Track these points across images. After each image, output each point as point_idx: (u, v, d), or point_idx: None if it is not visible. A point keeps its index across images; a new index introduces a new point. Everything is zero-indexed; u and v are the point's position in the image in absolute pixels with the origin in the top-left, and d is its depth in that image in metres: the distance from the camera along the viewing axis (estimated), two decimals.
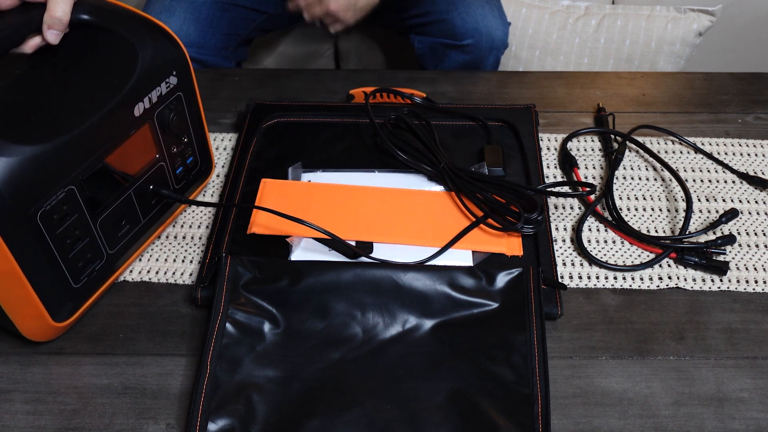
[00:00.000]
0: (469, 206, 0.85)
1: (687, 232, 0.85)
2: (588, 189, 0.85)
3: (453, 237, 0.82)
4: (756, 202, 0.90)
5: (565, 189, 0.92)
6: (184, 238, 0.86)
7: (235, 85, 1.09)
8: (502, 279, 0.77)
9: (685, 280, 0.81)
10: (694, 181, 0.93)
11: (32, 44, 0.71)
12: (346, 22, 1.17)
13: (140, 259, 0.84)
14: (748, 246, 0.85)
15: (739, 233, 0.86)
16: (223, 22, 1.30)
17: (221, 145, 0.98)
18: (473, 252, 0.82)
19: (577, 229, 0.86)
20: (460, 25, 1.24)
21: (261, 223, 0.84)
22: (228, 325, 0.73)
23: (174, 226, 0.88)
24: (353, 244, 0.82)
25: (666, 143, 0.98)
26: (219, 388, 0.69)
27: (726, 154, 0.97)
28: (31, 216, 0.64)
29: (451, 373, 0.71)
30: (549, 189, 0.88)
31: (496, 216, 0.82)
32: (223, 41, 1.31)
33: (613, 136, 0.99)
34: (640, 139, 0.97)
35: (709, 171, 0.95)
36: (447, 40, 1.26)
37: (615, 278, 0.82)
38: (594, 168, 0.95)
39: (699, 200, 0.91)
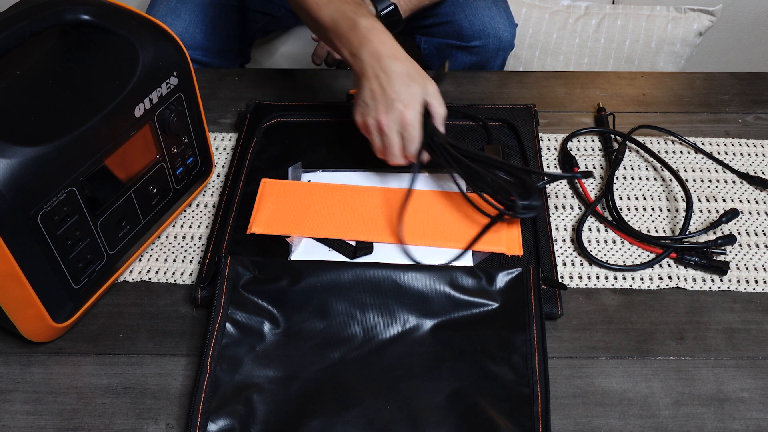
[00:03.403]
0: (472, 198, 0.84)
1: (687, 232, 0.85)
2: (583, 171, 0.85)
3: (453, 236, 0.82)
4: (756, 202, 0.90)
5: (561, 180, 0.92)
6: (184, 238, 0.86)
7: (235, 85, 1.09)
8: (502, 279, 0.77)
9: (685, 280, 0.81)
10: (694, 181, 0.93)
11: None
12: None
13: (140, 260, 0.84)
14: (749, 246, 0.85)
15: (739, 233, 0.86)
16: (228, 24, 1.30)
17: (221, 145, 0.98)
18: (473, 252, 0.82)
19: (577, 229, 0.86)
20: (467, 27, 1.24)
21: (261, 223, 0.84)
22: (228, 325, 0.74)
23: (174, 226, 0.88)
24: (353, 244, 0.82)
25: (666, 143, 0.98)
26: (219, 388, 0.69)
27: (726, 154, 0.97)
28: (32, 217, 0.65)
29: (451, 373, 0.71)
30: (545, 172, 0.87)
31: (499, 197, 0.80)
32: (227, 43, 1.31)
33: (613, 136, 0.99)
34: (640, 139, 0.97)
35: (709, 171, 0.95)
36: (454, 41, 1.26)
37: (615, 278, 0.82)
38: (594, 168, 0.95)
39: (699, 200, 0.91)
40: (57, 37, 0.76)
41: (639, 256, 0.84)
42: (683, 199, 0.90)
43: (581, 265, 0.83)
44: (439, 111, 0.83)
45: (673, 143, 0.98)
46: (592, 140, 0.99)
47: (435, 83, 0.84)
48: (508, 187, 0.79)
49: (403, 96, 0.81)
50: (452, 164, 0.83)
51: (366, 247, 0.82)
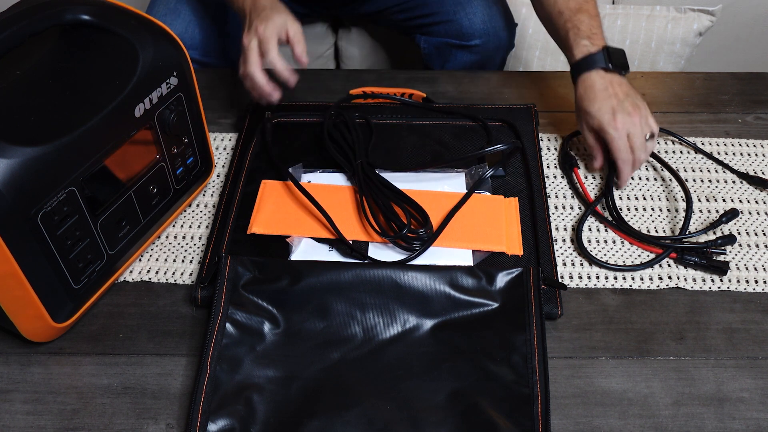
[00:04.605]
0: (366, 208, 0.84)
1: (687, 232, 0.85)
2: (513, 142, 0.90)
3: (456, 236, 0.82)
4: (756, 202, 0.90)
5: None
6: (184, 238, 0.86)
7: (235, 86, 1.09)
8: (502, 279, 0.77)
9: (685, 280, 0.81)
10: (694, 181, 0.93)
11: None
12: None
13: (140, 260, 0.84)
14: (748, 246, 0.85)
15: (739, 233, 0.86)
16: (228, 24, 1.30)
17: (221, 145, 0.98)
18: (473, 251, 0.82)
19: (577, 229, 0.86)
20: (467, 26, 1.23)
21: (261, 223, 0.84)
22: (228, 325, 0.74)
23: (174, 226, 0.88)
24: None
25: (666, 143, 0.98)
26: (219, 388, 0.69)
27: (726, 154, 0.97)
28: (32, 217, 0.65)
29: (451, 373, 0.71)
30: (471, 154, 0.91)
31: (381, 223, 0.82)
32: (227, 44, 1.31)
33: None
34: None
35: (709, 171, 0.95)
36: (454, 40, 1.26)
37: (615, 278, 0.82)
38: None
39: (699, 200, 0.91)
40: (57, 37, 0.76)
41: (639, 256, 0.84)
42: (683, 199, 0.90)
43: (581, 265, 0.83)
44: (295, 37, 0.89)
45: (673, 143, 0.98)
46: None
47: (300, 25, 0.91)
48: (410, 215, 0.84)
49: (263, 18, 0.88)
50: (362, 186, 0.86)
51: (363, 248, 0.82)
